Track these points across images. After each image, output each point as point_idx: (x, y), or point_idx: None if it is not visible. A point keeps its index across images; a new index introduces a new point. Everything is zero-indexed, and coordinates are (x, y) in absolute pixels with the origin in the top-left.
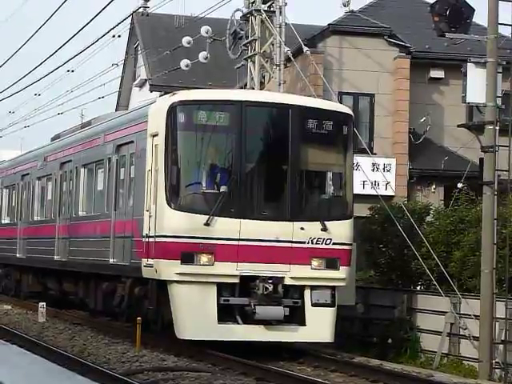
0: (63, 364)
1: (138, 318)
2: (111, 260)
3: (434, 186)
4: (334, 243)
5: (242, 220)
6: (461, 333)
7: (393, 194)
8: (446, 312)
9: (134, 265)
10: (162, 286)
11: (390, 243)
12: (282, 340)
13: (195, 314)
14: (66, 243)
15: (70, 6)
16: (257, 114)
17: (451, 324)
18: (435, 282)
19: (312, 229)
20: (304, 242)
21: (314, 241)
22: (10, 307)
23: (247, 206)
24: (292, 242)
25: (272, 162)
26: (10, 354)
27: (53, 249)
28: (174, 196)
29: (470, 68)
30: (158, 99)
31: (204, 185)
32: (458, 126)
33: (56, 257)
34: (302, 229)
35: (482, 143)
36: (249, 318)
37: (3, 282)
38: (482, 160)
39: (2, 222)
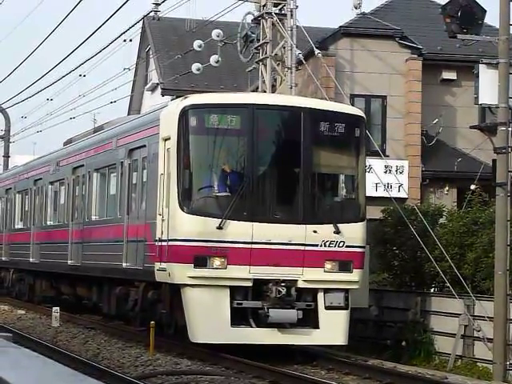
0: (77, 368)
1: (152, 322)
2: (124, 264)
3: (446, 188)
4: (346, 246)
5: (254, 223)
6: (475, 335)
7: (406, 196)
8: (460, 314)
9: (147, 269)
10: (175, 289)
11: (403, 245)
12: (296, 343)
13: (208, 318)
14: (79, 248)
15: (81, 11)
16: (268, 117)
17: (465, 326)
18: (449, 284)
19: (325, 231)
20: (317, 245)
21: (327, 243)
22: (23, 312)
23: (260, 209)
24: (305, 244)
25: (284, 165)
26: (22, 357)
27: (66, 253)
28: (186, 200)
29: (482, 69)
30: (169, 103)
31: (216, 188)
32: (471, 127)
33: (69, 261)
34: (315, 231)
35: (494, 144)
36: (262, 322)
37: (17, 286)
38: (494, 161)
39: (16, 226)
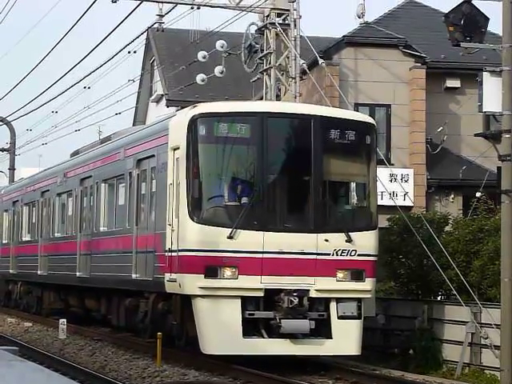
0: (85, 380)
1: (159, 333)
2: (134, 275)
3: (452, 196)
4: (358, 254)
5: (265, 232)
6: (482, 342)
7: (411, 204)
8: (467, 322)
9: (157, 280)
10: (186, 300)
11: (410, 254)
12: (309, 354)
13: (220, 329)
14: (88, 259)
15: (85, 23)
16: (278, 125)
17: (472, 334)
18: (455, 292)
19: (336, 240)
20: (329, 254)
21: (339, 252)
22: (30, 324)
23: (270, 219)
24: (316, 253)
25: (295, 174)
26: (27, 370)
27: (74, 265)
28: (196, 209)
29: (486, 77)
30: (178, 112)
31: (226, 197)
32: (475, 135)
33: (78, 273)
34: (327, 240)
35: (499, 152)
36: (274, 332)
37: (25, 299)
38: (499, 169)
39: (23, 239)
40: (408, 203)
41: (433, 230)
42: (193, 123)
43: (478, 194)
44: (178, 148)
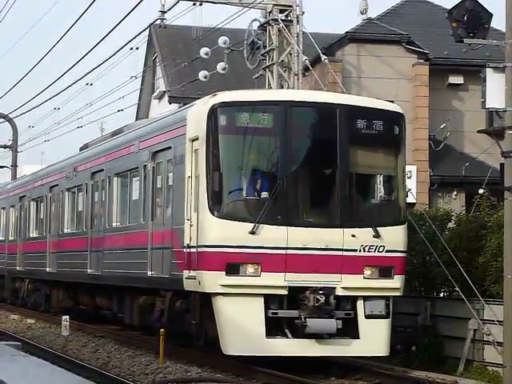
0: (88, 377)
1: (162, 330)
2: (149, 272)
3: (455, 193)
4: (387, 250)
5: (289, 227)
6: (485, 339)
7: (414, 201)
8: (470, 318)
9: (174, 277)
10: (206, 298)
11: (412, 250)
12: (335, 355)
13: (242, 329)
14: (100, 256)
15: (87, 20)
16: (303, 115)
17: (475, 330)
18: (458, 289)
19: (364, 235)
20: (356, 250)
21: (366, 248)
22: (33, 321)
23: (294, 213)
24: (343, 249)
25: (320, 166)
26: (31, 365)
27: (85, 262)
28: (216, 203)
29: (489, 73)
30: (197, 101)
31: (248, 191)
32: (478, 131)
33: (89, 270)
34: (354, 236)
35: (502, 148)
36: (299, 332)
37: (32, 297)
38: (502, 165)
39: (30, 235)
40: (411, 200)
41: (436, 226)
42: (213, 113)
43: (480, 191)
44: (197, 139)
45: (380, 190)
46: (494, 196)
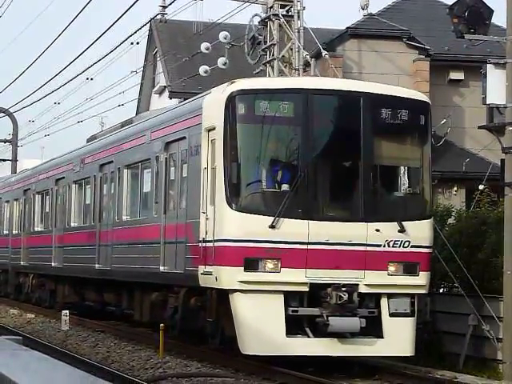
0: (87, 372)
1: (161, 325)
2: (161, 268)
3: (455, 189)
4: (412, 246)
5: (310, 221)
6: (484, 335)
7: None
8: (469, 314)
9: (188, 273)
10: (223, 295)
11: None
12: (359, 355)
13: (260, 327)
14: (109, 250)
15: (88, 14)
16: (325, 104)
17: (474, 326)
18: (458, 285)
19: (388, 230)
20: (380, 245)
21: (391, 244)
22: (33, 316)
23: (316, 206)
24: (366, 245)
25: (342, 157)
26: (32, 359)
27: (93, 257)
28: (234, 196)
29: (490, 69)
30: (213, 89)
31: (268, 183)
32: (479, 127)
33: (97, 265)
34: (378, 230)
35: (502, 144)
36: (320, 331)
37: (37, 292)
38: (503, 161)
39: (35, 229)
40: None
41: (436, 222)
42: (231, 101)
43: (481, 187)
44: (214, 129)
45: (405, 183)
46: (494, 192)
